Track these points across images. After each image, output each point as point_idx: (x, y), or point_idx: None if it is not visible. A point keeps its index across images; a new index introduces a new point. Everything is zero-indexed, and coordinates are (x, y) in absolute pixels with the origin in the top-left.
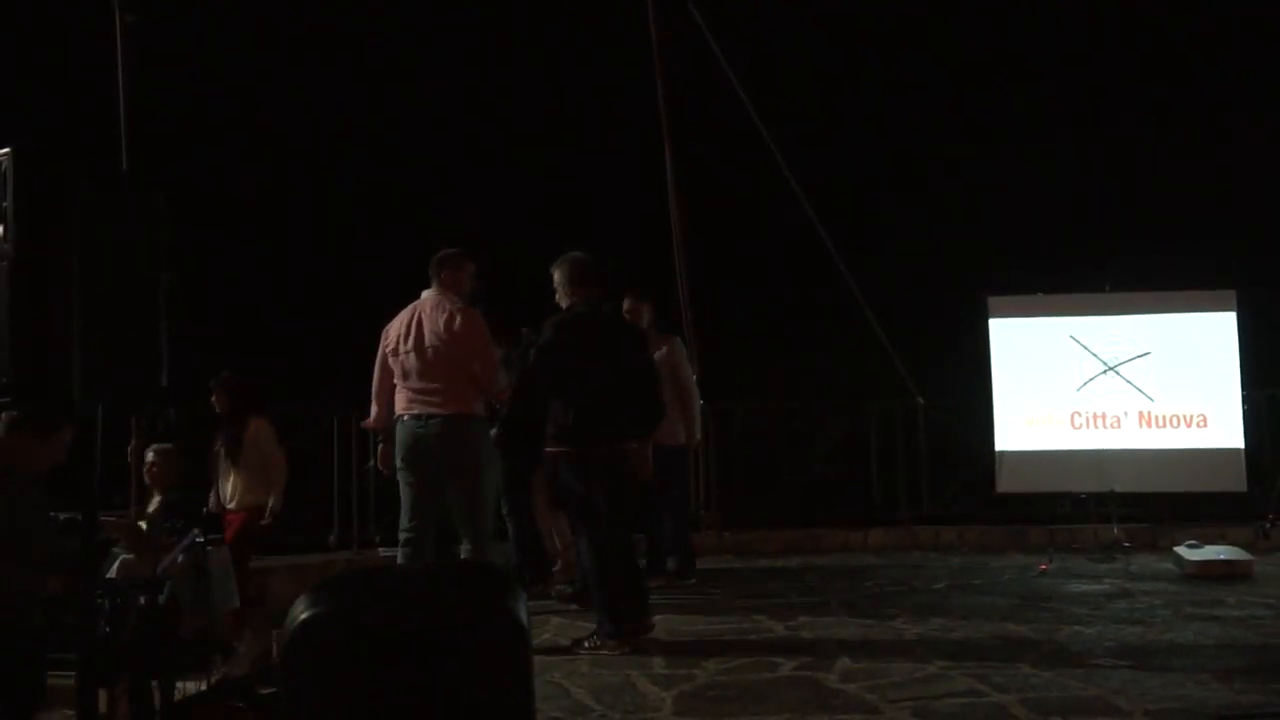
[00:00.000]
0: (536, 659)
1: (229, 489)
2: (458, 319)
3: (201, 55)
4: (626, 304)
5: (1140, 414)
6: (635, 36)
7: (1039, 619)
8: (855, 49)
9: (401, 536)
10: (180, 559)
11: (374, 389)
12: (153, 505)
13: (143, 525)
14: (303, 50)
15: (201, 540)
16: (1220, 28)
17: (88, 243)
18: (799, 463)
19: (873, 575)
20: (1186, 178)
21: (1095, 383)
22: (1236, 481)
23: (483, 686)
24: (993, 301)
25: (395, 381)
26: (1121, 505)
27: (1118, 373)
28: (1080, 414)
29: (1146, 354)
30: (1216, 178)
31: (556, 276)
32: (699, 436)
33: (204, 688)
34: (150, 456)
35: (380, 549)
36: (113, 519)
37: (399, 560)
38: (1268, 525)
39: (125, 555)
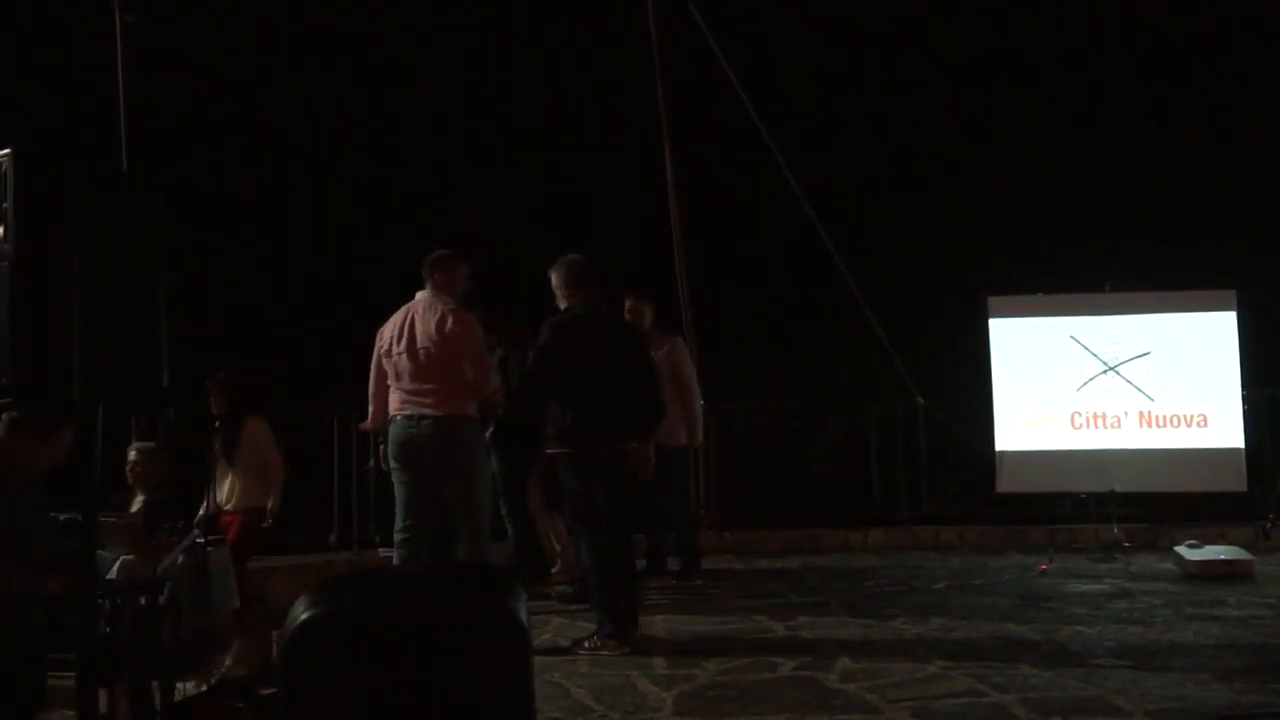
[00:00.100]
0: (536, 659)
1: (225, 490)
2: (449, 320)
3: (201, 55)
4: (628, 304)
5: (1140, 414)
6: (635, 36)
7: (1039, 619)
8: (855, 49)
9: (397, 537)
10: (180, 559)
11: (370, 390)
12: (136, 505)
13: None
14: (303, 50)
15: (202, 540)
16: (1220, 28)
17: (88, 243)
18: (799, 463)
19: (873, 575)
20: (1186, 178)
21: (1095, 382)
22: (1237, 481)
23: (483, 686)
24: (993, 301)
25: (389, 383)
26: (1122, 505)
27: (1118, 372)
28: (1080, 414)
29: (1147, 354)
30: (1216, 178)
31: (554, 279)
32: (700, 437)
33: (204, 688)
34: (132, 455)
35: (380, 549)
36: (113, 519)
37: (395, 559)
38: (1268, 525)
39: (125, 556)
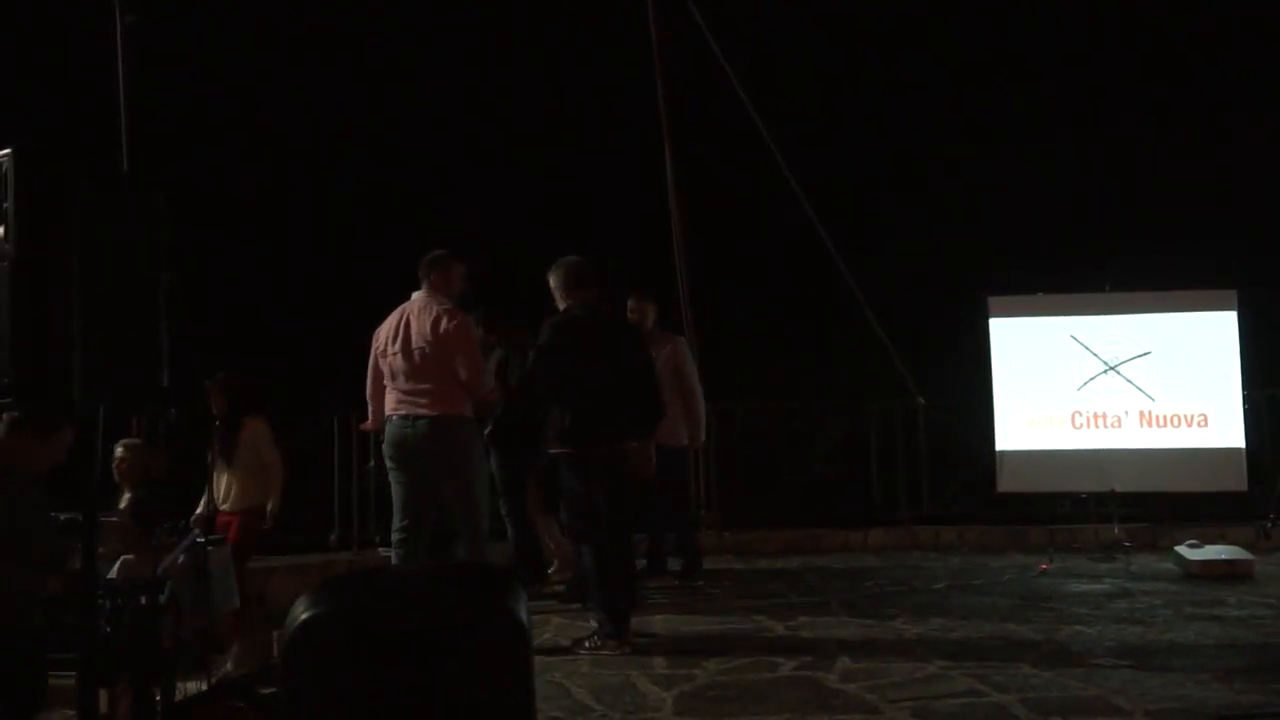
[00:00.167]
0: (537, 659)
1: (222, 490)
2: (444, 320)
3: (201, 55)
4: (631, 303)
5: (1141, 414)
6: (635, 36)
7: (1039, 619)
8: (855, 49)
9: (395, 536)
10: (180, 559)
11: (368, 391)
12: (123, 502)
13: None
14: (303, 50)
15: (202, 540)
16: (1220, 28)
17: (88, 243)
18: (799, 463)
19: (873, 575)
20: (1186, 178)
21: (1096, 382)
22: (1237, 481)
23: (483, 686)
24: (993, 301)
25: (385, 383)
26: (1122, 505)
27: (1118, 372)
28: (1081, 414)
29: (1147, 353)
30: (1216, 178)
31: (552, 281)
32: (703, 438)
33: (204, 687)
34: (119, 452)
35: (380, 549)
36: (112, 519)
37: (393, 559)
38: (1268, 525)
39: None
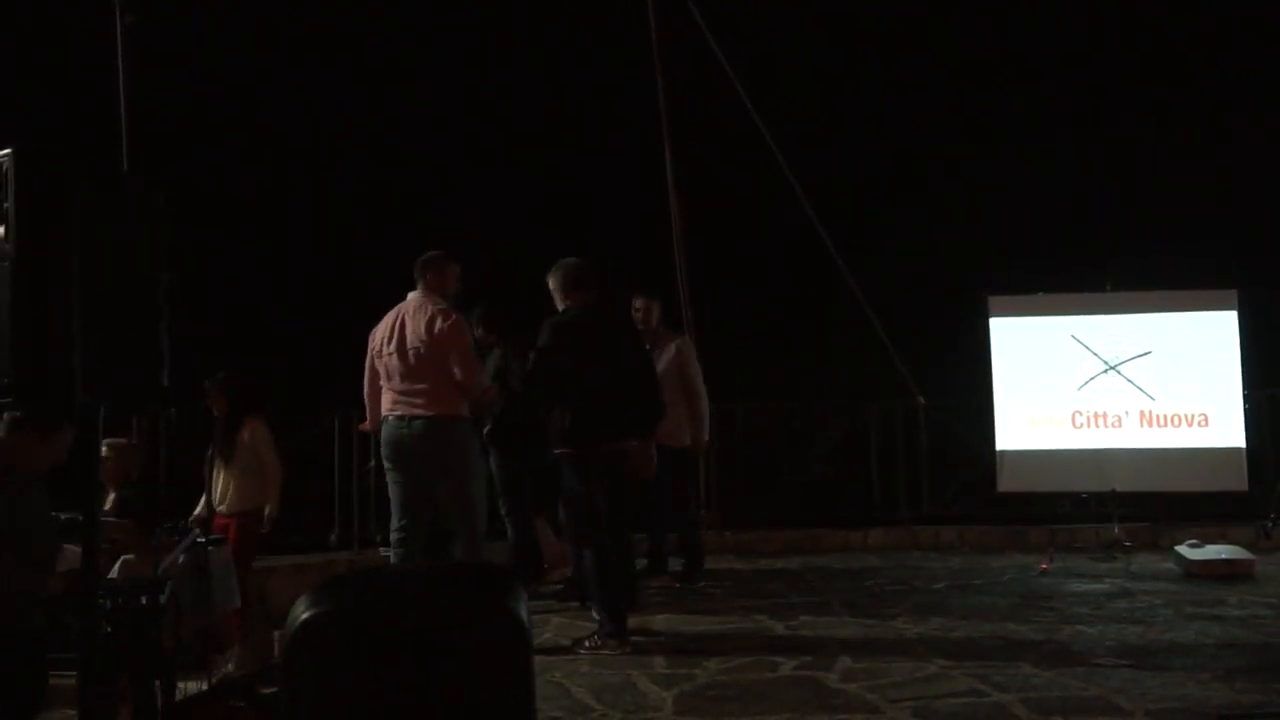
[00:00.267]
0: (537, 658)
1: (219, 491)
2: (438, 321)
3: (201, 55)
4: (637, 303)
5: (1141, 413)
6: (635, 36)
7: (1040, 619)
8: (855, 49)
9: (393, 536)
10: (181, 559)
11: (365, 392)
12: (108, 503)
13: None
14: (303, 50)
15: (202, 540)
16: (1220, 28)
17: (88, 243)
18: (799, 463)
19: (873, 575)
20: (1186, 178)
21: (1096, 382)
22: (1237, 481)
23: (483, 686)
24: (993, 301)
25: (381, 383)
26: (1122, 505)
27: (1119, 372)
28: (1081, 413)
29: (1147, 353)
30: (1216, 178)
31: (551, 283)
32: (706, 438)
33: (204, 688)
34: (103, 451)
35: (381, 549)
36: (112, 520)
37: (392, 558)
38: (1269, 525)
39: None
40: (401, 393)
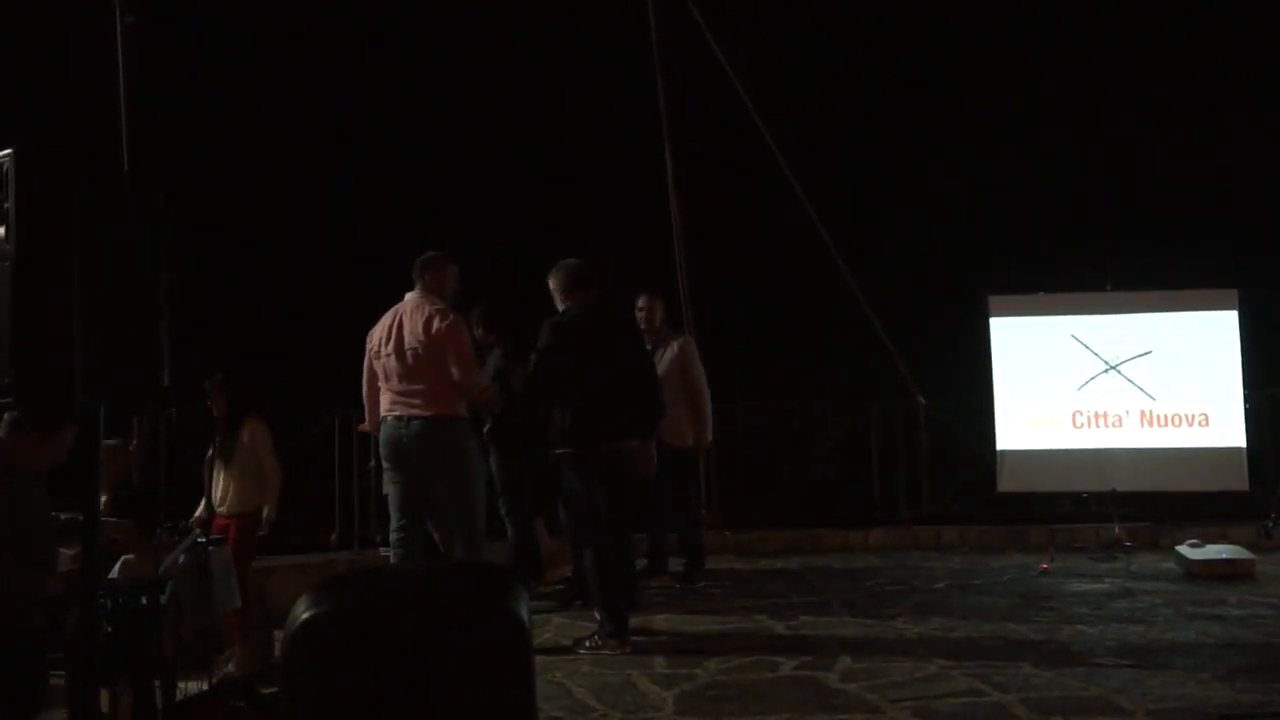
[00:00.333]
0: (538, 658)
1: (219, 491)
2: (436, 321)
3: (201, 55)
4: (640, 301)
5: (1142, 413)
6: (635, 36)
7: (1040, 618)
8: (855, 49)
9: (392, 536)
10: (181, 559)
11: (364, 393)
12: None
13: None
14: (303, 50)
15: (203, 540)
16: (1220, 28)
17: (88, 243)
18: (799, 463)
19: (873, 575)
20: (1186, 178)
21: (1096, 382)
22: (1238, 481)
23: (484, 686)
24: (993, 301)
25: (379, 384)
26: (1123, 504)
27: (1119, 372)
28: (1081, 413)
29: (1148, 353)
30: (1217, 178)
31: (552, 283)
32: (709, 438)
33: (204, 688)
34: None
35: (381, 548)
36: (112, 520)
37: (391, 558)
38: (1269, 524)
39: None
40: (400, 393)
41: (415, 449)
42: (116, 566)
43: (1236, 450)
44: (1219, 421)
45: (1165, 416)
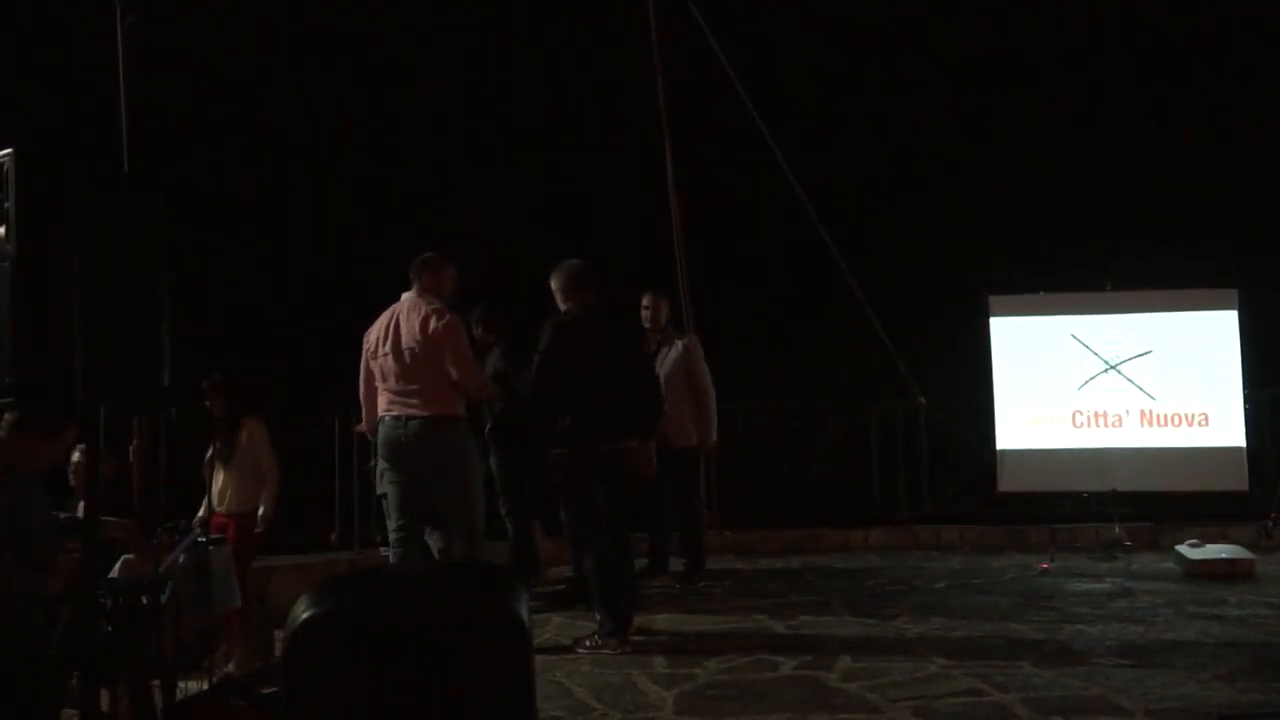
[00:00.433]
0: (538, 658)
1: (218, 491)
2: (432, 320)
3: (201, 55)
4: (645, 300)
5: (1142, 413)
6: (635, 36)
7: (1040, 618)
8: (855, 49)
9: (392, 537)
10: (181, 559)
11: (361, 393)
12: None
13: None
14: (303, 50)
15: (203, 540)
16: (1220, 28)
17: (88, 243)
18: (799, 463)
19: (873, 575)
20: (1186, 177)
21: (1096, 381)
22: (1238, 480)
23: (484, 686)
24: (993, 300)
25: (377, 384)
26: (1123, 504)
27: (1119, 371)
28: (1081, 413)
29: (1148, 353)
30: (1217, 177)
31: (554, 284)
32: (714, 438)
33: (204, 688)
34: (76, 456)
35: (381, 548)
36: (113, 519)
37: (391, 558)
38: (1269, 524)
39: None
40: (397, 393)
41: (413, 449)
42: (116, 566)
43: (1236, 450)
44: (1219, 421)
45: (1165, 416)
